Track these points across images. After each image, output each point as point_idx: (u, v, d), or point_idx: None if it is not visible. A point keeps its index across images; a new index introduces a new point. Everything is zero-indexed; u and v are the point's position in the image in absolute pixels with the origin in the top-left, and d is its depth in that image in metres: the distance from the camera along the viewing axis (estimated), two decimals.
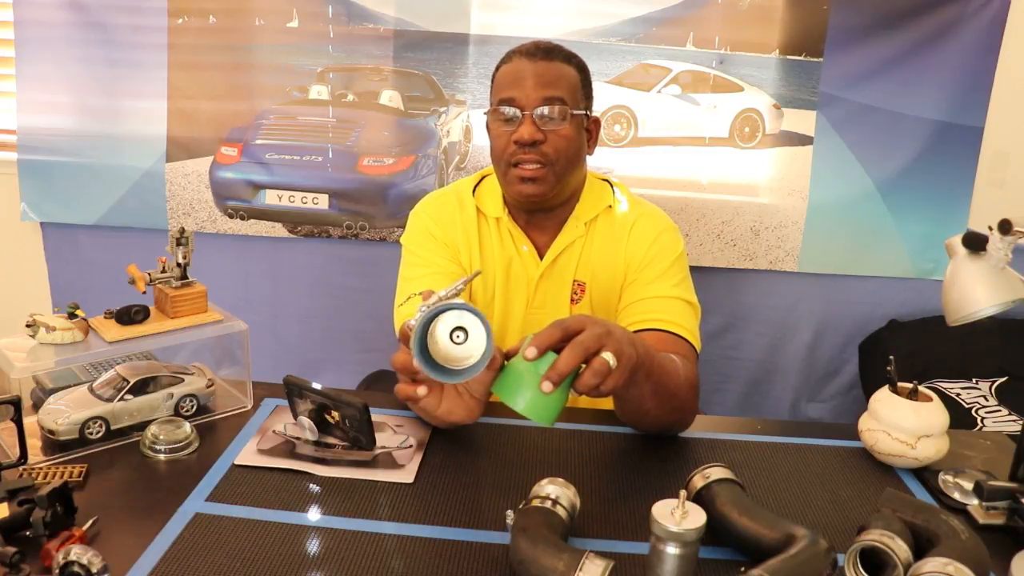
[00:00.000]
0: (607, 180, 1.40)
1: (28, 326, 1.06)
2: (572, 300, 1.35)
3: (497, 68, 1.29)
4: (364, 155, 2.26)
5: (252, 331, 1.17)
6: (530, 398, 0.83)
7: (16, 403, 0.95)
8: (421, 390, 0.88)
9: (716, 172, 2.25)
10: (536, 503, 0.85)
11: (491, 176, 1.36)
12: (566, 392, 0.85)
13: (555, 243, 1.33)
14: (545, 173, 1.23)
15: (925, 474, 1.06)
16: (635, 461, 1.09)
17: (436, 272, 1.30)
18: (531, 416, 0.83)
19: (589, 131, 1.31)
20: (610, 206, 1.34)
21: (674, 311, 1.25)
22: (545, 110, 1.21)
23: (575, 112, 1.24)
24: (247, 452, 1.05)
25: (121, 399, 1.08)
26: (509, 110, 1.23)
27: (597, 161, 2.24)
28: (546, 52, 1.24)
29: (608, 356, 0.83)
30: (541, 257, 1.33)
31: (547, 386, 0.81)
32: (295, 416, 1.11)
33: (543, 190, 1.25)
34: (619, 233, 1.33)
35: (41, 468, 0.99)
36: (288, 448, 1.07)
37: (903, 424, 1.05)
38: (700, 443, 1.14)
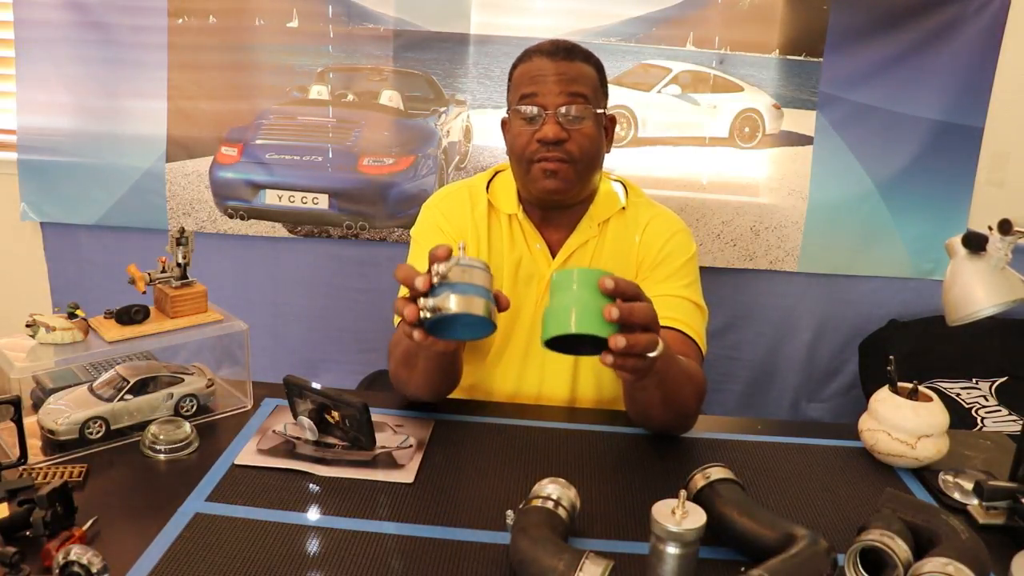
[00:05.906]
0: (621, 181, 1.39)
1: (28, 326, 1.06)
2: None
3: (514, 67, 1.27)
4: (364, 155, 2.26)
5: (252, 331, 1.17)
6: (579, 313, 0.84)
7: (16, 403, 0.95)
8: (417, 335, 0.89)
9: (716, 172, 2.25)
10: (536, 503, 0.85)
11: (505, 172, 1.35)
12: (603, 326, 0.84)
13: (568, 242, 1.32)
14: (568, 169, 1.22)
15: (925, 474, 1.06)
16: (635, 461, 1.09)
17: None
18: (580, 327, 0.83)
19: (606, 129, 1.30)
20: (624, 208, 1.34)
21: (683, 311, 1.25)
22: (569, 109, 1.21)
23: (597, 111, 1.24)
24: (247, 452, 1.05)
25: (121, 399, 1.08)
26: (531, 108, 1.21)
27: None
28: (567, 51, 1.24)
29: (661, 345, 0.90)
30: (553, 255, 1.33)
31: (614, 312, 0.83)
32: (295, 416, 1.11)
33: (566, 186, 1.24)
34: (632, 233, 1.33)
35: (41, 468, 0.99)
36: (288, 448, 1.07)
37: (903, 424, 1.05)
38: (700, 443, 1.14)
